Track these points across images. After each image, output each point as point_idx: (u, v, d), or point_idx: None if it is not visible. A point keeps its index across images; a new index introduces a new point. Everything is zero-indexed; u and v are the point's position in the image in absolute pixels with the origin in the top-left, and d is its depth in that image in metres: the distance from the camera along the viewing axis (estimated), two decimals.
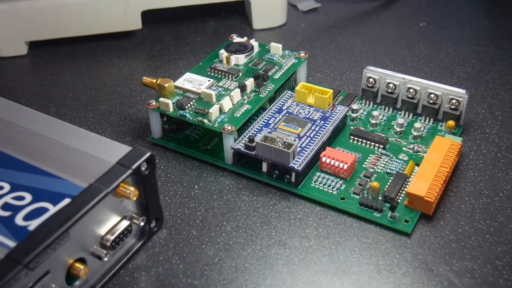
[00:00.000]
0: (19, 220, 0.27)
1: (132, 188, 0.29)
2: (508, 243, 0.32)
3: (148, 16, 0.48)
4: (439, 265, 0.31)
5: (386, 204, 0.34)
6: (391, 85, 0.39)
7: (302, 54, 0.42)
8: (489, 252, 0.31)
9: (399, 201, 0.34)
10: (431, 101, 0.38)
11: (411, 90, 0.39)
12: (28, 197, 0.28)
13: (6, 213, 0.28)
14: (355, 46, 0.48)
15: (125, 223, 0.30)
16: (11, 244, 0.26)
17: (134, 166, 0.30)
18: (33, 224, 0.27)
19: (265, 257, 0.32)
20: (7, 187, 0.29)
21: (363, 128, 0.39)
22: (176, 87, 0.38)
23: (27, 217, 0.27)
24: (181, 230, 0.33)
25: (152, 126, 0.39)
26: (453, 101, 0.38)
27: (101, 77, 0.45)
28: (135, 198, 0.30)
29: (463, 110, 0.38)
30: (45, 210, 0.28)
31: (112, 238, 0.29)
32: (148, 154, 0.30)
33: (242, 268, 0.31)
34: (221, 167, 0.37)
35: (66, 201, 0.28)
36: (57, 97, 0.43)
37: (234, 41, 0.42)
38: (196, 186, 0.36)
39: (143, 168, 0.30)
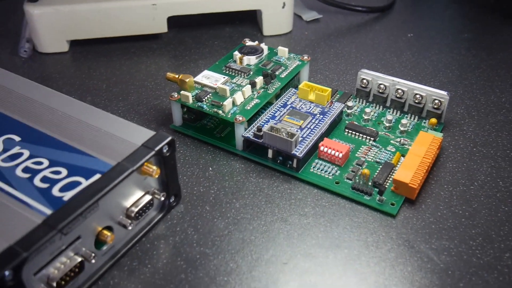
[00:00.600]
0: (55, 191, 0.26)
1: (154, 167, 0.29)
2: (481, 226, 0.31)
3: (173, 21, 0.47)
4: (420, 243, 0.30)
5: (375, 189, 0.32)
6: (382, 86, 0.38)
7: (305, 57, 0.40)
8: (464, 233, 0.30)
9: (386, 186, 0.33)
10: (416, 101, 0.37)
11: (399, 91, 0.38)
12: (64, 171, 0.27)
13: (45, 185, 0.27)
14: (351, 52, 0.47)
15: (148, 197, 0.29)
16: (48, 211, 0.25)
17: (157, 148, 0.29)
18: (67, 195, 0.26)
19: (268, 231, 0.31)
20: (46, 162, 0.28)
21: (356, 123, 0.37)
22: (195, 82, 0.37)
23: (62, 189, 0.26)
24: (196, 206, 0.32)
25: (174, 115, 0.38)
26: (436, 101, 0.37)
27: (131, 73, 0.44)
28: (157, 176, 0.29)
29: (444, 109, 0.37)
30: (78, 183, 0.27)
31: (136, 210, 0.29)
32: (169, 138, 0.29)
33: (248, 240, 0.30)
34: (232, 152, 0.36)
35: (97, 176, 0.27)
36: (93, 88, 0.42)
37: (247, 44, 0.41)
38: (210, 168, 0.35)
39: (164, 150, 0.29)
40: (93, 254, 0.26)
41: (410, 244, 0.30)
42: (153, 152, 0.29)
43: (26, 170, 0.28)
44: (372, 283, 0.28)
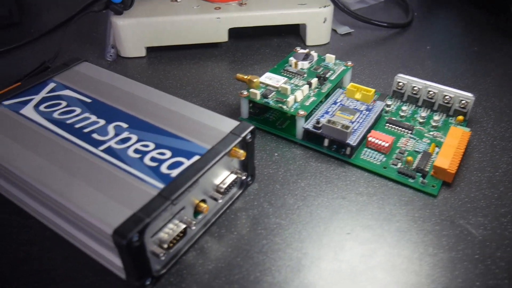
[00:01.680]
0: (163, 169, 0.26)
1: (241, 151, 0.28)
2: (509, 206, 0.30)
3: (231, 32, 0.46)
4: (459, 219, 0.29)
5: (418, 173, 0.32)
6: (416, 88, 0.37)
7: (349, 63, 0.40)
8: (495, 212, 0.30)
9: (427, 171, 0.32)
10: (445, 101, 0.36)
11: (430, 92, 0.37)
12: (168, 153, 0.27)
13: (154, 164, 0.26)
14: (381, 60, 0.46)
15: (233, 176, 0.29)
16: (160, 185, 0.25)
17: (242, 135, 0.28)
18: (174, 172, 0.26)
19: (331, 206, 0.30)
20: (152, 145, 0.28)
21: (394, 118, 0.37)
22: (260, 82, 0.37)
23: (169, 167, 0.26)
24: (268, 184, 0.32)
25: (242, 109, 0.37)
26: (463, 101, 0.36)
27: (199, 74, 0.44)
28: (243, 158, 0.28)
29: (470, 109, 0.36)
30: (181, 163, 0.26)
31: (224, 186, 0.28)
32: (252, 127, 0.29)
33: (315, 213, 0.30)
34: (292, 141, 0.36)
35: (196, 157, 0.27)
36: (169, 87, 0.42)
37: (299, 51, 0.41)
38: (276, 154, 0.34)
39: (248, 137, 0.29)
40: (193, 222, 0.26)
41: (451, 219, 0.29)
42: (240, 138, 0.28)
43: (136, 151, 0.27)
44: (423, 251, 0.27)
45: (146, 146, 0.28)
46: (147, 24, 0.44)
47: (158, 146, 0.28)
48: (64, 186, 0.25)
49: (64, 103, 0.31)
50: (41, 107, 0.31)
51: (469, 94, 0.36)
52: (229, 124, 0.29)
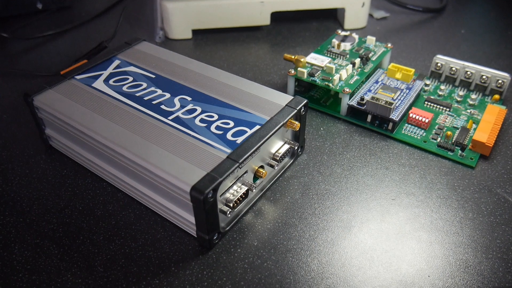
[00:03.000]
0: (229, 136, 0.29)
1: (297, 122, 0.31)
2: None
3: (273, 16, 0.49)
4: (496, 188, 0.31)
5: (457, 147, 0.34)
6: (454, 68, 0.39)
7: (389, 45, 0.42)
8: None
9: (466, 144, 0.34)
10: (482, 81, 0.38)
11: (468, 73, 0.39)
12: (231, 123, 0.30)
13: (220, 132, 0.29)
14: (417, 43, 0.48)
15: (287, 146, 0.32)
16: (228, 150, 0.27)
17: (298, 108, 0.31)
18: (239, 139, 0.28)
19: (376, 175, 0.32)
20: (215, 116, 0.30)
21: (433, 97, 0.39)
22: (307, 62, 0.39)
23: (234, 135, 0.29)
24: (316, 155, 0.34)
25: (288, 87, 0.39)
26: (499, 81, 0.38)
27: (244, 55, 0.46)
28: (297, 129, 0.31)
29: (506, 88, 0.38)
30: (244, 131, 0.29)
31: (280, 154, 0.31)
32: (305, 101, 0.31)
33: (361, 181, 0.32)
34: (336, 117, 0.38)
35: (257, 127, 0.29)
36: (217, 66, 0.44)
37: (341, 33, 0.43)
38: (322, 128, 0.37)
39: (302, 110, 0.31)
40: (254, 185, 0.29)
41: (488, 189, 0.31)
42: (295, 111, 0.31)
43: (202, 121, 0.30)
44: (463, 215, 0.29)
45: (211, 116, 0.30)
46: (194, 7, 0.47)
47: (221, 117, 0.30)
48: (143, 150, 0.27)
49: (130, 78, 0.34)
50: (111, 81, 0.34)
51: (506, 74, 0.37)
52: (285, 98, 0.32)
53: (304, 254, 0.27)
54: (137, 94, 0.32)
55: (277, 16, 0.49)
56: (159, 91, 0.33)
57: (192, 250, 0.28)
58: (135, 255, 0.27)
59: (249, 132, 0.29)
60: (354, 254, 0.27)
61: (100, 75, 0.34)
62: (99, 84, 0.33)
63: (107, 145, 0.28)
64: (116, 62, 0.36)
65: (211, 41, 0.49)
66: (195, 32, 0.49)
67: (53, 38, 0.50)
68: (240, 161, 0.27)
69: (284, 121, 0.30)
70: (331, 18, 0.52)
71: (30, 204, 0.30)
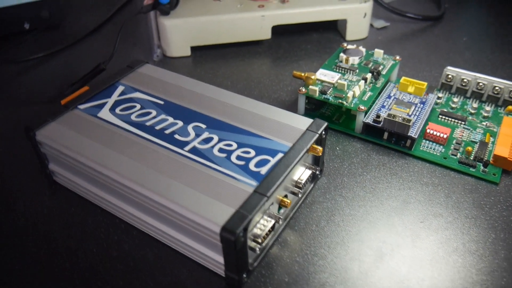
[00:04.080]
0: (252, 166, 0.27)
1: (319, 147, 0.29)
2: None
3: (273, 29, 0.47)
4: None
5: (478, 163, 0.33)
6: (465, 80, 0.39)
7: (398, 58, 0.41)
8: None
9: (488, 160, 0.33)
10: (495, 92, 0.38)
11: (480, 84, 0.38)
12: (252, 152, 0.28)
13: (241, 162, 0.27)
14: (421, 53, 0.47)
15: (309, 171, 0.30)
16: (253, 183, 0.26)
17: (319, 132, 0.30)
18: (263, 170, 0.27)
19: (400, 197, 0.31)
20: (234, 145, 0.29)
21: (446, 110, 0.38)
22: (317, 79, 0.38)
23: (257, 165, 0.27)
24: (335, 178, 0.33)
25: (299, 105, 0.38)
26: None
27: (247, 72, 0.45)
28: (320, 154, 0.30)
29: None
30: (267, 160, 0.27)
31: (303, 181, 0.29)
32: (326, 124, 0.30)
33: (386, 204, 0.31)
34: (351, 135, 0.37)
35: (280, 155, 0.28)
36: (221, 85, 0.43)
37: (348, 47, 0.42)
38: (338, 148, 0.36)
39: (323, 134, 0.30)
40: (281, 217, 0.27)
41: None
42: (317, 135, 0.29)
43: (221, 150, 0.28)
44: (495, 236, 0.29)
45: (229, 145, 0.29)
46: (193, 24, 0.45)
47: (240, 145, 0.29)
48: (162, 187, 0.26)
49: (138, 106, 0.32)
50: (117, 110, 0.32)
51: None
52: (304, 121, 0.30)
53: (349, 286, 0.26)
54: (148, 124, 0.30)
55: (277, 29, 0.48)
56: (171, 119, 0.31)
57: None
58: None
59: (273, 161, 0.27)
60: (390, 285, 0.26)
61: (105, 103, 0.32)
62: (105, 113, 0.31)
63: (121, 182, 0.27)
64: (121, 88, 0.34)
65: (211, 58, 0.47)
66: (194, 49, 0.48)
67: (44, 60, 0.47)
68: (269, 194, 0.25)
69: (307, 147, 0.28)
70: (332, 30, 0.51)
71: (38, 249, 0.28)
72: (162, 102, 0.33)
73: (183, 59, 0.47)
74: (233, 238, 0.23)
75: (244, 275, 0.26)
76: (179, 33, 0.45)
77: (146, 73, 0.36)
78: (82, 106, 0.32)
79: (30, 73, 0.46)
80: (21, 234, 0.29)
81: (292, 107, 0.40)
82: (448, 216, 0.30)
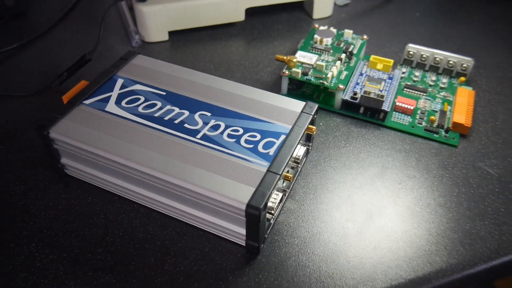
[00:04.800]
0: (260, 149, 0.31)
1: (314, 127, 0.34)
2: (510, 146, 0.39)
3: (246, 11, 0.50)
4: (478, 162, 0.37)
5: (440, 129, 0.39)
6: (424, 56, 0.44)
7: (365, 37, 0.45)
8: (502, 153, 0.38)
9: (446, 126, 0.40)
10: (450, 65, 0.44)
11: (437, 59, 0.44)
12: (258, 135, 0.32)
13: (250, 145, 0.31)
14: (382, 30, 0.52)
15: (304, 148, 0.35)
16: (265, 163, 0.30)
17: (312, 113, 0.34)
18: (271, 151, 0.31)
19: (380, 163, 0.37)
20: (241, 130, 0.32)
21: (409, 83, 0.44)
22: (298, 61, 0.42)
23: (264, 147, 0.31)
24: (323, 151, 0.38)
25: (282, 86, 0.42)
26: (464, 65, 0.44)
27: (226, 54, 0.48)
28: (314, 133, 0.34)
29: (469, 71, 0.44)
30: (273, 142, 0.32)
31: (300, 156, 0.34)
32: (317, 106, 0.35)
33: (369, 170, 0.36)
34: (331, 111, 0.42)
35: (283, 136, 0.32)
36: (205, 69, 0.46)
37: (320, 29, 0.46)
38: (321, 123, 0.40)
39: (315, 115, 0.34)
40: (286, 190, 0.32)
41: (471, 163, 0.37)
42: (311, 117, 0.34)
43: (230, 136, 0.32)
44: (458, 190, 0.35)
45: (236, 131, 0.32)
46: (170, 9, 0.47)
47: (246, 130, 0.32)
48: (185, 173, 0.29)
49: (142, 98, 0.35)
50: (123, 103, 0.34)
51: (469, 59, 0.43)
52: (298, 104, 0.34)
53: (342, 244, 0.31)
54: (156, 115, 0.33)
55: (248, 10, 0.51)
56: (177, 109, 0.34)
57: (242, 258, 0.30)
58: (191, 271, 0.30)
59: (277, 142, 0.32)
60: (381, 238, 0.32)
61: (109, 97, 0.35)
62: (112, 107, 0.34)
63: (147, 173, 0.30)
64: (120, 81, 0.36)
65: (189, 42, 0.49)
66: (171, 33, 0.50)
67: (18, 51, 0.47)
68: (281, 172, 0.29)
69: (305, 128, 0.33)
70: (298, 9, 0.55)
71: (69, 238, 0.31)
72: (164, 93, 0.35)
73: (161, 44, 0.49)
74: (257, 213, 0.27)
75: (262, 243, 0.30)
76: (157, 18, 0.47)
77: (141, 64, 0.38)
78: (87, 101, 0.34)
79: (6, 65, 0.46)
80: (47, 228, 0.32)
81: (274, 87, 0.44)
82: (420, 177, 0.36)
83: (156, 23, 0.47)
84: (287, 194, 0.34)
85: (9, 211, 0.32)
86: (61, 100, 0.35)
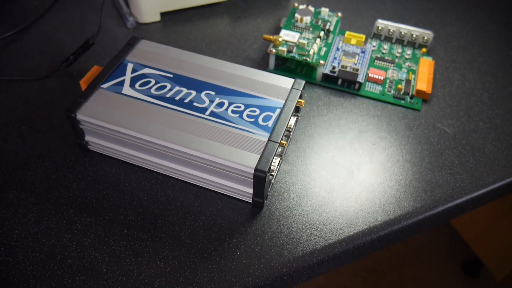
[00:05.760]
0: (260, 121, 0.37)
1: (302, 100, 0.40)
2: (465, 110, 0.46)
3: None
4: (436, 123, 0.45)
5: (406, 96, 0.47)
6: (391, 30, 0.51)
7: (339, 14, 0.51)
8: (457, 115, 0.46)
9: (411, 93, 0.47)
10: (413, 38, 0.51)
11: (402, 33, 0.51)
12: (257, 110, 0.38)
13: (251, 119, 0.37)
14: (351, 4, 0.58)
15: (294, 118, 0.41)
16: (265, 134, 0.36)
17: (300, 89, 0.40)
18: (269, 123, 0.37)
19: (357, 127, 0.44)
20: (242, 106, 0.38)
21: (379, 55, 0.50)
22: (283, 39, 0.47)
23: (263, 120, 0.37)
24: (309, 119, 0.44)
25: (270, 62, 0.48)
26: (425, 38, 0.50)
27: (215, 33, 0.52)
28: (303, 105, 0.40)
29: (430, 42, 0.51)
30: (270, 116, 0.38)
31: (292, 125, 0.40)
32: (303, 82, 0.41)
33: (348, 134, 0.43)
34: (312, 83, 0.48)
35: (278, 110, 0.38)
36: (197, 47, 0.50)
37: (300, 8, 0.51)
38: (305, 95, 0.47)
39: (302, 90, 0.40)
40: (282, 155, 0.38)
41: (431, 124, 0.45)
42: (300, 91, 0.40)
43: (233, 112, 0.38)
44: (421, 148, 0.42)
45: (238, 107, 0.38)
46: None
47: (246, 106, 0.38)
48: (202, 145, 0.35)
49: (153, 80, 0.40)
50: (137, 86, 0.39)
51: (429, 32, 0.50)
52: (288, 82, 0.40)
53: (329, 196, 0.38)
54: (167, 95, 0.39)
55: None
56: (185, 90, 0.39)
57: (249, 212, 0.37)
58: (208, 224, 0.36)
59: (274, 115, 0.38)
60: (361, 189, 0.39)
61: (123, 81, 0.39)
62: (127, 90, 0.39)
63: (165, 145, 0.35)
64: (130, 66, 0.41)
65: (179, 21, 0.53)
66: (162, 14, 0.54)
67: (20, 36, 0.50)
68: (279, 141, 0.36)
69: (296, 102, 0.39)
70: None
71: (102, 204, 0.37)
72: (171, 75, 0.40)
73: (154, 25, 0.53)
74: (264, 175, 0.34)
75: (266, 199, 0.37)
76: (150, 0, 0.51)
77: (146, 49, 0.42)
78: (104, 86, 0.39)
79: (9, 49, 0.49)
80: (81, 196, 0.37)
81: (262, 62, 0.49)
82: (390, 138, 0.43)
83: (149, 4, 0.51)
84: (282, 158, 0.40)
85: (45, 184, 0.38)
86: (74, 83, 0.40)
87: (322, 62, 0.46)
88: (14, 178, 0.38)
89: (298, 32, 0.49)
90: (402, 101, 0.46)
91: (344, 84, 0.47)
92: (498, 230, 0.89)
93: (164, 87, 0.39)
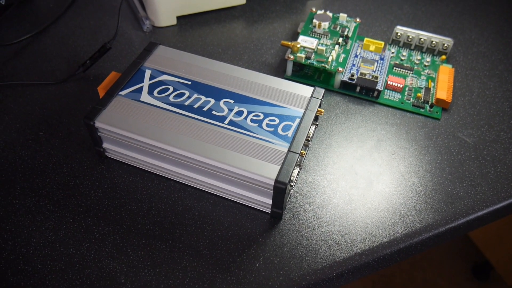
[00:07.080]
0: (280, 131, 0.36)
1: (322, 109, 0.39)
2: (485, 119, 0.45)
3: None
4: (457, 132, 0.44)
5: (426, 104, 0.46)
6: (410, 37, 0.50)
7: (358, 20, 0.50)
8: (477, 124, 0.45)
9: (431, 102, 0.46)
10: (432, 45, 0.50)
11: (421, 39, 0.50)
12: (277, 119, 0.37)
13: (271, 129, 0.37)
14: (369, 9, 0.57)
15: (313, 127, 0.40)
16: (286, 144, 0.36)
17: (320, 97, 0.39)
18: (289, 133, 0.36)
19: (376, 136, 0.43)
20: (261, 115, 0.37)
21: (397, 62, 0.49)
22: (301, 46, 0.47)
23: (283, 130, 0.36)
24: (327, 127, 0.43)
25: (288, 69, 0.47)
26: (445, 45, 0.49)
27: (232, 38, 0.52)
28: (322, 114, 0.40)
29: (449, 49, 0.50)
30: (290, 125, 0.37)
31: (311, 135, 0.39)
32: (323, 91, 0.40)
33: (367, 143, 0.42)
34: (330, 90, 0.47)
35: (298, 119, 0.37)
36: (214, 52, 0.50)
37: (318, 13, 0.50)
38: (323, 102, 0.46)
39: (322, 99, 0.40)
40: (301, 164, 0.38)
41: (451, 133, 0.44)
42: (320, 100, 0.39)
43: (252, 121, 0.37)
44: (441, 158, 0.42)
45: (257, 116, 0.37)
46: None
47: (266, 115, 0.38)
48: (221, 156, 0.34)
49: (171, 88, 0.39)
50: (155, 93, 0.39)
51: (449, 39, 0.49)
52: (307, 90, 0.40)
53: (348, 207, 0.38)
54: (186, 103, 0.38)
55: None
56: (203, 98, 0.39)
57: (267, 223, 0.37)
58: (227, 235, 0.36)
59: (294, 125, 0.37)
60: (380, 201, 0.38)
61: (141, 88, 0.39)
62: (146, 97, 0.38)
63: (187, 156, 0.35)
64: (148, 72, 0.40)
65: (196, 25, 0.53)
66: (178, 18, 0.53)
67: (37, 38, 0.50)
68: (299, 151, 0.35)
69: (315, 111, 0.38)
70: None
71: (119, 212, 0.36)
72: (189, 82, 0.40)
73: (170, 29, 0.52)
74: (284, 187, 0.33)
75: (284, 210, 0.37)
76: (167, 3, 0.50)
77: (164, 55, 0.42)
78: (122, 92, 0.38)
79: (26, 52, 0.48)
80: (99, 204, 0.37)
81: (279, 69, 0.48)
82: (409, 147, 0.43)
83: (166, 8, 0.51)
84: (301, 167, 0.40)
85: (63, 191, 0.37)
86: (90, 88, 0.39)
87: (341, 69, 0.45)
88: (32, 184, 0.38)
89: (316, 38, 0.48)
90: (422, 110, 0.45)
91: (362, 92, 0.46)
92: (509, 234, 0.88)
93: (182, 94, 0.39)
